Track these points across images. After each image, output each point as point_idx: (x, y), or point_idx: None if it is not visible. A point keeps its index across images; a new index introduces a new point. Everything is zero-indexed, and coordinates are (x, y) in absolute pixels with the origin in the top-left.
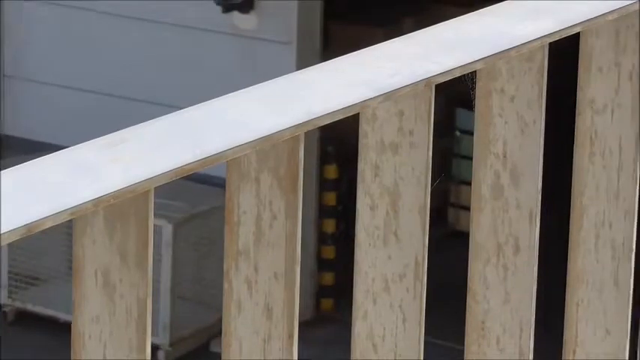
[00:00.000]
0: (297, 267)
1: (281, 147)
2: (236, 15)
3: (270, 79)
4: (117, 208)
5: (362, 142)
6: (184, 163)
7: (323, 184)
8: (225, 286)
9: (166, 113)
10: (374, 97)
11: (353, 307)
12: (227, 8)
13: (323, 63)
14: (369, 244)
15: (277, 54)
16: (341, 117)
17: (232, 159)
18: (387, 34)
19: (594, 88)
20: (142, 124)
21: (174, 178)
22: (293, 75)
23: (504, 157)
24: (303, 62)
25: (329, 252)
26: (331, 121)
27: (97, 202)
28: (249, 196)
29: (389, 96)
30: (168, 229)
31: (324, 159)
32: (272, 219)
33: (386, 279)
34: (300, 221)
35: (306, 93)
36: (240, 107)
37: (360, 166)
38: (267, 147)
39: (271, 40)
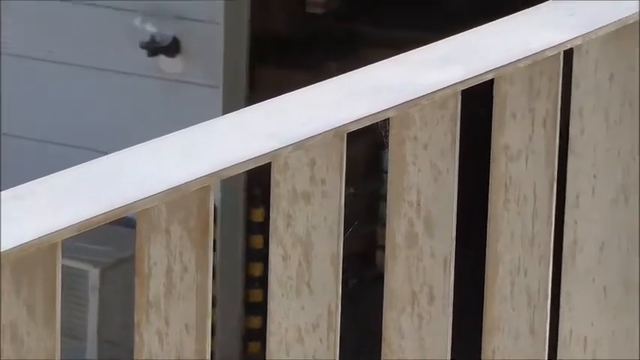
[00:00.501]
0: (208, 319)
1: (191, 198)
2: (162, 59)
3: (197, 122)
4: (23, 261)
5: (274, 191)
6: (92, 215)
7: (250, 227)
8: (136, 339)
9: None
10: (284, 147)
11: (266, 358)
12: (153, 52)
13: (233, 113)
14: (282, 295)
15: (204, 97)
16: (252, 167)
17: (142, 210)
18: (313, 77)
19: (508, 135)
20: (51, 175)
21: (82, 231)
22: (203, 125)
23: (418, 205)
24: (229, 106)
25: (256, 295)
26: (242, 171)
27: (2, 255)
28: (160, 248)
29: (299, 145)
30: (94, 274)
31: (250, 202)
32: (183, 271)
33: (299, 329)
34: (210, 273)
35: (217, 143)
36: (150, 158)
37: (272, 215)
38: (177, 198)
39: (198, 84)
